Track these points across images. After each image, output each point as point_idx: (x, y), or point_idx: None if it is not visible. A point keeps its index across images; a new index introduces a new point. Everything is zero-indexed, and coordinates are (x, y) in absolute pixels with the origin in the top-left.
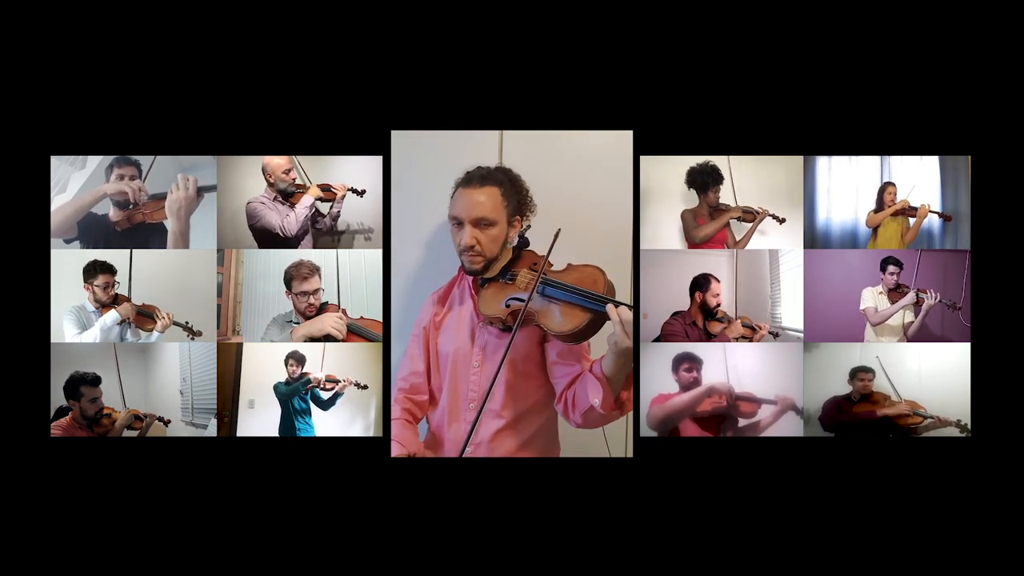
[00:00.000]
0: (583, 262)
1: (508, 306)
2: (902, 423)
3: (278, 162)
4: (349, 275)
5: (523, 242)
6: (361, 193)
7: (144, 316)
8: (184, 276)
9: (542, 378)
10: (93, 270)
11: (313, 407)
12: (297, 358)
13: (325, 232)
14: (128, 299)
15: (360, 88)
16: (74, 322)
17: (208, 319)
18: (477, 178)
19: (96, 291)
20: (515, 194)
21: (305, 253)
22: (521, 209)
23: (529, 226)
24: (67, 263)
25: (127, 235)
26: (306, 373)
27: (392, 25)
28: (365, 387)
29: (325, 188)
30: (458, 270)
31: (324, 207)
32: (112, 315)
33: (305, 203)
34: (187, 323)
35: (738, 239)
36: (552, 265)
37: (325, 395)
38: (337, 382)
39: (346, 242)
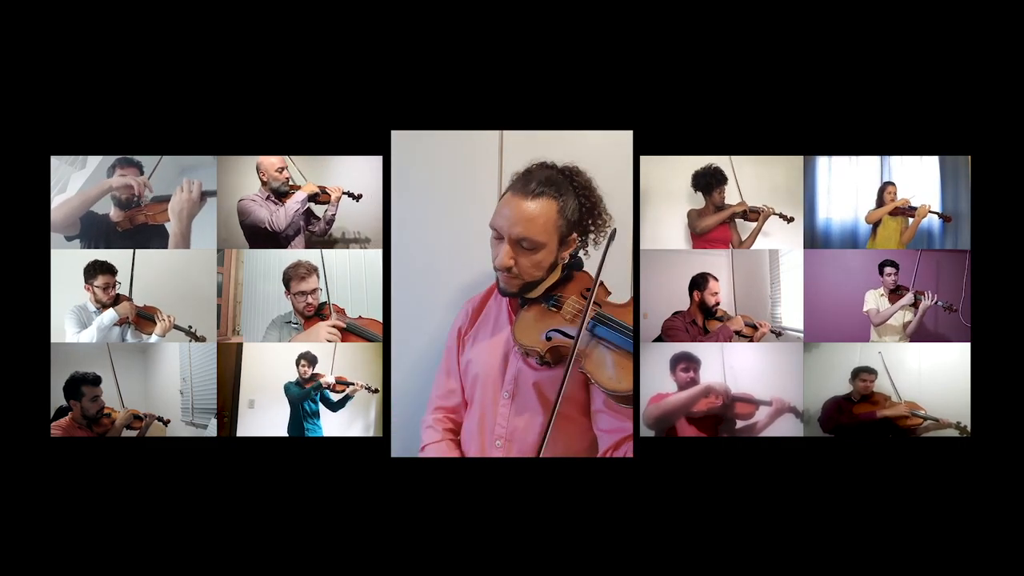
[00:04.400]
0: (614, 283)
1: (549, 339)
2: (902, 424)
3: (271, 161)
4: (348, 275)
5: (576, 263)
6: (357, 197)
7: (144, 319)
8: (184, 276)
9: (584, 424)
10: (93, 270)
11: (323, 408)
12: (309, 359)
13: (319, 236)
14: (129, 299)
15: (360, 88)
16: (75, 321)
17: (208, 319)
18: (535, 182)
19: (96, 291)
20: (579, 208)
21: (304, 253)
22: (583, 224)
23: (584, 249)
24: (68, 263)
25: (128, 235)
26: (318, 375)
27: (392, 25)
28: (376, 391)
29: (321, 189)
30: (495, 279)
31: (319, 210)
32: (110, 314)
33: (297, 198)
34: (190, 327)
35: (743, 239)
36: (610, 294)
37: (335, 396)
38: (348, 385)
39: (340, 248)
